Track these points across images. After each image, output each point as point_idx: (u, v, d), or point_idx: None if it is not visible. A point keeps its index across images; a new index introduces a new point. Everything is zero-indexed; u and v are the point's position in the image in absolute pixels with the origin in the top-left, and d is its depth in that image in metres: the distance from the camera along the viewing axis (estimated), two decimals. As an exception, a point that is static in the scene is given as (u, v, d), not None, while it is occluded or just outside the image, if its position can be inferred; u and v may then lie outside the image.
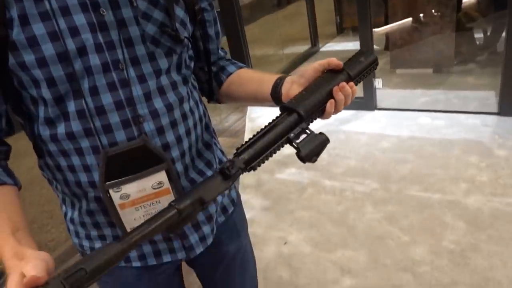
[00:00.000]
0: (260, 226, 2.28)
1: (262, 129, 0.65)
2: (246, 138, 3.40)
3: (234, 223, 0.93)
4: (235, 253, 0.95)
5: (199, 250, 0.83)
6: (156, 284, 0.86)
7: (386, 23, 4.19)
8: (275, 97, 0.76)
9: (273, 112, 0.74)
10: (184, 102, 0.75)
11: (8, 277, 0.48)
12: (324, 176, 2.58)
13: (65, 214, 0.81)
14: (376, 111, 3.34)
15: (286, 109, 0.67)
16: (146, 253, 0.80)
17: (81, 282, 0.47)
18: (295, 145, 0.64)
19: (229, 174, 0.59)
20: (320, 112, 0.69)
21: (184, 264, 0.94)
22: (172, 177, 0.68)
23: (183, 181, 0.76)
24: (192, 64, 0.80)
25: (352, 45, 5.22)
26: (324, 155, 0.71)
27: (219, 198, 0.87)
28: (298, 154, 0.63)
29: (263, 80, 0.80)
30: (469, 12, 4.01)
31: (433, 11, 3.68)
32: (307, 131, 0.66)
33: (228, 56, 0.94)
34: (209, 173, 0.82)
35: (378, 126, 3.10)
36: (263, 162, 0.64)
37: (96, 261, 0.48)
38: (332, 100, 0.68)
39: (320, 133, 0.65)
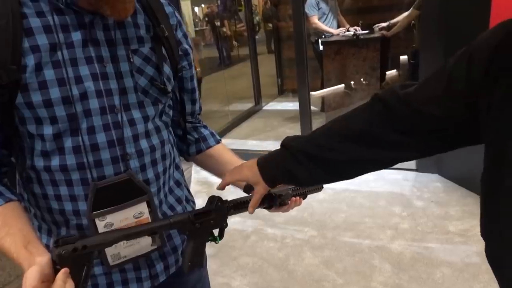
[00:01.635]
0: (206, 273, 2.35)
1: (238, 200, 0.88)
2: (191, 189, 3.46)
3: None
4: (194, 284, 1.04)
5: (162, 278, 0.92)
6: None
7: (322, 87, 4.67)
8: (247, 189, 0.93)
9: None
10: (165, 145, 0.88)
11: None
12: (267, 225, 2.75)
13: (41, 240, 0.85)
14: None
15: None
16: (115, 282, 0.87)
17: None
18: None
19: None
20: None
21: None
22: (152, 207, 0.81)
23: (158, 214, 0.87)
24: (171, 113, 0.93)
25: (292, 105, 5.65)
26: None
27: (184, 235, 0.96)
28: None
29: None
30: (390, 83, 4.64)
31: (361, 79, 4.20)
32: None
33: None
34: (179, 208, 0.94)
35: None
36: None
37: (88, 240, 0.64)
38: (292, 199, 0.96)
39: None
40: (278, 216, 2.82)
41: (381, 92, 0.72)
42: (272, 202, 0.90)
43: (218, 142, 1.07)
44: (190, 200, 1.03)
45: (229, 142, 4.55)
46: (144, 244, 0.82)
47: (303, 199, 1.00)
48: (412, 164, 3.42)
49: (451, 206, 2.79)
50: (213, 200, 0.84)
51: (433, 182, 3.14)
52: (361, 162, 0.72)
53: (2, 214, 0.71)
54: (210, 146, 1.05)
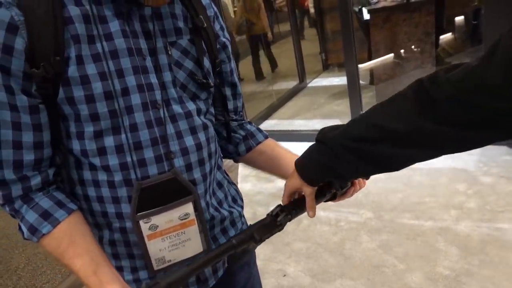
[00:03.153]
0: (259, 259, 2.29)
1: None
2: (240, 173, 3.41)
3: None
4: (245, 283, 0.98)
5: (212, 282, 0.86)
6: None
7: (370, 59, 4.41)
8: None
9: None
10: (212, 143, 0.82)
11: None
12: (320, 207, 2.63)
13: None
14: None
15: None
16: None
17: None
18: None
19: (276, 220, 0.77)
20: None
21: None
22: (198, 208, 0.74)
23: (205, 216, 0.81)
24: (212, 110, 0.87)
25: (338, 80, 5.44)
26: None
27: (232, 233, 0.91)
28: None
29: (290, 163, 0.85)
30: (446, 48, 4.27)
31: (413, 47, 3.91)
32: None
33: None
34: (222, 211, 0.87)
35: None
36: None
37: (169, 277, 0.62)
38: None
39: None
40: (331, 198, 2.70)
41: (425, 79, 0.62)
42: (326, 193, 0.81)
43: (266, 137, 0.99)
44: (237, 200, 0.96)
45: (274, 123, 4.47)
46: (190, 247, 0.75)
47: (367, 179, 0.89)
48: (475, 136, 3.13)
49: (524, 181, 2.52)
50: (279, 212, 0.78)
51: (502, 155, 2.86)
52: (406, 160, 0.67)
53: (68, 230, 0.69)
54: (260, 142, 0.97)
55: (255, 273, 1.04)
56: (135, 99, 0.70)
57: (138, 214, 0.70)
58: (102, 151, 0.71)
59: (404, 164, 0.68)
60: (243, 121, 0.99)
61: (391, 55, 4.13)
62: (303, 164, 0.77)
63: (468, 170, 2.77)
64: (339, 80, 5.33)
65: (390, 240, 2.26)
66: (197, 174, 0.78)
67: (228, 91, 0.93)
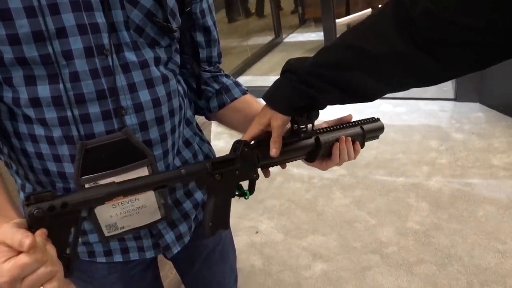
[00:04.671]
0: (232, 217, 2.27)
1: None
2: (212, 130, 3.32)
3: None
4: (214, 247, 0.93)
5: (176, 249, 0.80)
6: (130, 278, 0.83)
7: (348, 14, 4.28)
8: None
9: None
10: (174, 97, 0.71)
11: None
12: (293, 165, 2.61)
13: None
14: None
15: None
16: (113, 250, 0.77)
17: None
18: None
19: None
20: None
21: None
22: (154, 172, 0.65)
23: None
24: (177, 58, 0.74)
25: (315, 35, 5.29)
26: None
27: (199, 196, 0.83)
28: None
29: None
30: None
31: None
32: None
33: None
34: None
35: (343, 114, 3.16)
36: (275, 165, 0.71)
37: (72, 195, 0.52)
38: (337, 144, 0.72)
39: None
40: (305, 155, 2.67)
41: None
42: (297, 137, 0.71)
43: (244, 92, 0.86)
44: (211, 158, 0.87)
45: (249, 79, 4.33)
46: (146, 214, 0.68)
47: (361, 146, 0.77)
48: (449, 92, 3.13)
49: (494, 137, 2.55)
50: (238, 146, 0.66)
51: (474, 112, 2.87)
52: (382, 89, 0.63)
53: None
54: (235, 98, 0.84)
55: (226, 237, 0.97)
56: (75, 42, 0.58)
57: (83, 177, 0.61)
58: (36, 102, 0.60)
59: (380, 93, 0.63)
60: (219, 73, 0.86)
61: (369, 10, 4.02)
62: (272, 93, 0.68)
63: (441, 127, 2.78)
64: (316, 35, 5.18)
65: (363, 196, 2.27)
66: (154, 134, 0.68)
67: (200, 37, 0.80)
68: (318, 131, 0.73)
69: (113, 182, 0.55)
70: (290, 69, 0.65)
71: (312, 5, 5.64)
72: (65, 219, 0.52)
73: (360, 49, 0.58)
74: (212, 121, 1.12)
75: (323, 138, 0.72)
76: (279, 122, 0.67)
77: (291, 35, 5.69)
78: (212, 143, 0.95)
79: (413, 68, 0.57)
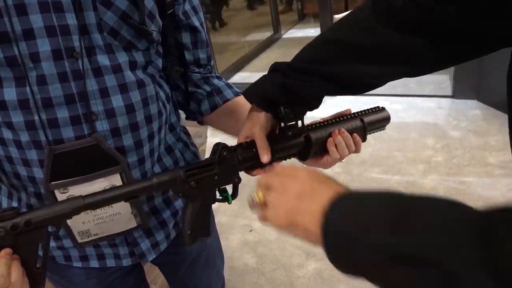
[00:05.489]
0: (225, 215, 2.28)
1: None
2: (209, 127, 3.26)
3: None
4: (199, 253, 0.92)
5: (151, 257, 0.79)
6: (108, 284, 0.82)
7: (346, 9, 4.25)
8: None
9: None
10: (151, 103, 0.69)
11: None
12: (288, 163, 2.60)
13: (0, 204, 0.75)
14: (338, 97, 3.39)
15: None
16: (89, 255, 0.76)
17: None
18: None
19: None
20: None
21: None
22: (128, 180, 0.64)
23: None
24: (159, 62, 0.72)
25: (313, 31, 5.25)
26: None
27: (178, 204, 0.81)
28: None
29: None
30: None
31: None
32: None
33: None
34: None
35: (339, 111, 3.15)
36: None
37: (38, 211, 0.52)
38: (331, 139, 0.67)
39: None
40: (300, 153, 2.66)
41: None
42: (284, 134, 0.67)
43: (237, 94, 0.83)
44: None
45: (246, 76, 4.31)
46: (120, 221, 0.67)
47: (363, 140, 0.72)
48: (447, 89, 3.11)
49: (491, 135, 2.53)
50: (217, 149, 0.64)
51: (471, 109, 2.85)
52: (370, 80, 0.62)
53: None
54: (227, 99, 0.81)
55: (212, 245, 0.96)
56: (43, 44, 0.56)
57: (53, 183, 0.60)
58: (2, 105, 0.59)
59: (367, 87, 0.63)
60: (210, 75, 0.84)
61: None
62: (250, 88, 0.65)
63: (437, 124, 2.76)
64: (315, 31, 5.15)
65: (358, 194, 2.26)
66: (127, 141, 0.66)
67: (186, 38, 0.77)
68: (309, 128, 0.69)
69: (80, 196, 0.54)
70: (274, 68, 0.64)
71: (311, 0, 5.60)
72: (31, 235, 0.52)
73: (340, 42, 0.59)
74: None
75: (315, 135, 0.68)
76: (257, 127, 0.64)
77: (290, 31, 5.65)
78: (208, 139, 0.92)
79: (398, 56, 0.57)
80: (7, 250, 0.50)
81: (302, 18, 5.93)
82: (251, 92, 0.65)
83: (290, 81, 0.61)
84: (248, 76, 4.30)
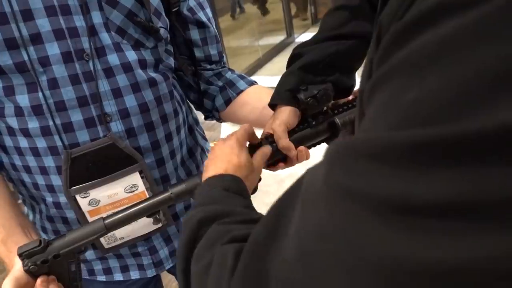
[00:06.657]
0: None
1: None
2: (222, 131, 3.32)
3: None
4: None
5: (168, 265, 0.78)
6: None
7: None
8: None
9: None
10: (165, 102, 0.68)
11: None
12: (303, 167, 2.58)
13: (27, 216, 0.76)
14: (358, 80, 3.37)
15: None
16: (112, 268, 0.75)
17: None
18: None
19: None
20: None
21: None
22: (148, 178, 0.63)
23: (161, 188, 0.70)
24: (170, 60, 0.72)
25: (327, 35, 5.23)
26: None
27: None
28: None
29: None
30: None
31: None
32: None
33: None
34: None
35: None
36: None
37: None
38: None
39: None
40: (314, 158, 2.64)
41: None
42: (307, 124, 0.62)
43: (250, 84, 0.81)
44: None
45: (260, 80, 4.23)
46: (145, 223, 0.66)
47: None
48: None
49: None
50: None
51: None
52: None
53: None
54: (241, 91, 0.79)
55: None
56: (52, 48, 0.56)
57: (72, 188, 0.60)
58: (18, 111, 0.58)
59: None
60: (222, 69, 0.81)
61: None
62: (275, 89, 0.62)
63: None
64: (328, 35, 5.12)
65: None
66: (143, 141, 0.65)
67: (194, 35, 0.75)
68: (335, 112, 0.64)
69: (101, 218, 0.57)
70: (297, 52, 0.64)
71: (324, 4, 5.59)
72: (62, 261, 0.55)
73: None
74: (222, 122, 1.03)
75: (341, 119, 0.62)
76: (276, 122, 0.60)
77: (303, 35, 5.64)
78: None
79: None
80: (43, 278, 0.54)
81: (315, 22, 5.91)
82: (273, 96, 0.63)
83: (339, 47, 0.60)
84: (263, 79, 4.29)
